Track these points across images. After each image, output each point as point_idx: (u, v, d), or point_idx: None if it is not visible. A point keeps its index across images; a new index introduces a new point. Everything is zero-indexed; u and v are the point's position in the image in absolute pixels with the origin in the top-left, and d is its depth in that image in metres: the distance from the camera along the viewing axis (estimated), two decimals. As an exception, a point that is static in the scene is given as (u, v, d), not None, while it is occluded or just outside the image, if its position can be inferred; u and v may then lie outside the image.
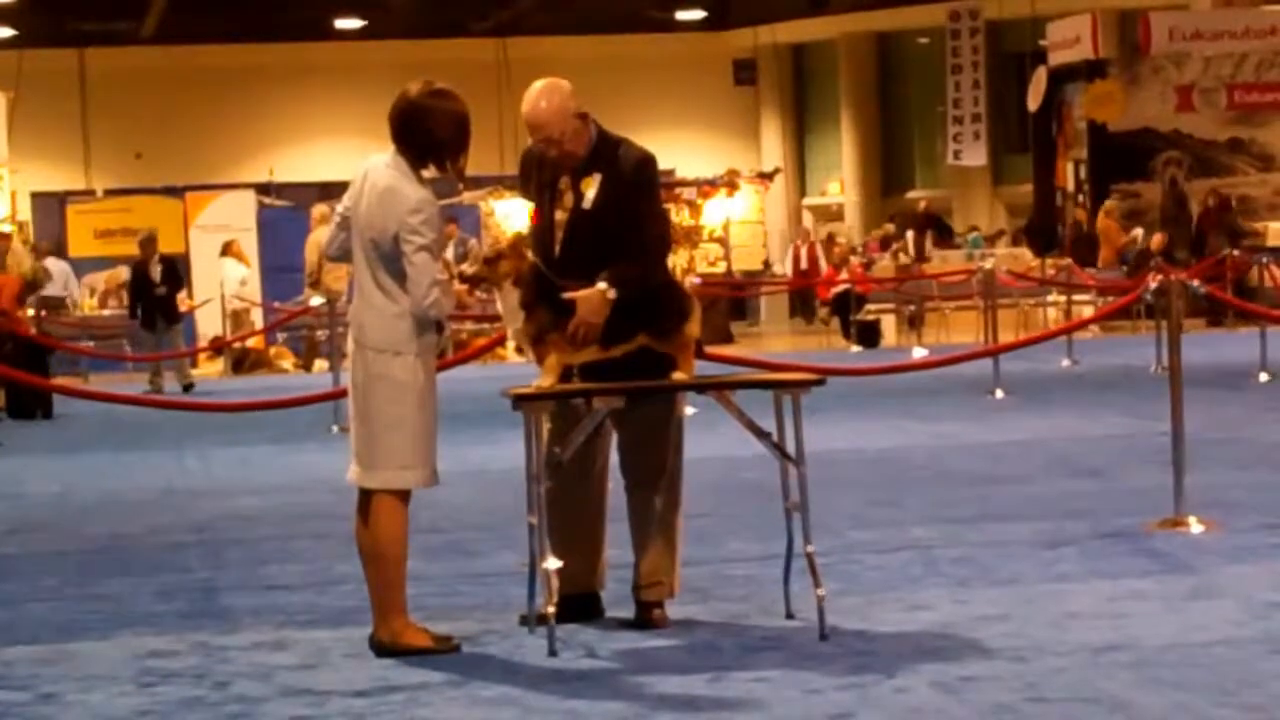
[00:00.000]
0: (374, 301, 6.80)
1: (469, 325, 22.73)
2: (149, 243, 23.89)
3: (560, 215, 7.13)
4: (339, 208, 7.03)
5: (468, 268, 7.05)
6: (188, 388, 22.45)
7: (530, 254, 6.98)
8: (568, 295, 6.87)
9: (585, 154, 7.07)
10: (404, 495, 6.88)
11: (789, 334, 33.29)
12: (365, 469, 6.84)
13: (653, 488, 7.22)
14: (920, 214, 38.73)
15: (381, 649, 6.82)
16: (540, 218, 7.21)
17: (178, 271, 24.05)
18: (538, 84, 7.06)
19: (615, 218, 7.01)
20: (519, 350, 7.34)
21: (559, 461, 7.13)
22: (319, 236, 25.44)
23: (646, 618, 7.17)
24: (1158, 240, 29.37)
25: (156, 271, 23.26)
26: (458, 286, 7.01)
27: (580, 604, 7.25)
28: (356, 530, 6.93)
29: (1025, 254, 32.76)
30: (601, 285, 6.88)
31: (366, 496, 6.88)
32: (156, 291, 23.20)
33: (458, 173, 6.96)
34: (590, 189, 7.06)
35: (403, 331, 6.74)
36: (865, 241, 36.87)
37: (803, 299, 35.14)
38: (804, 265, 34.01)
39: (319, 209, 25.96)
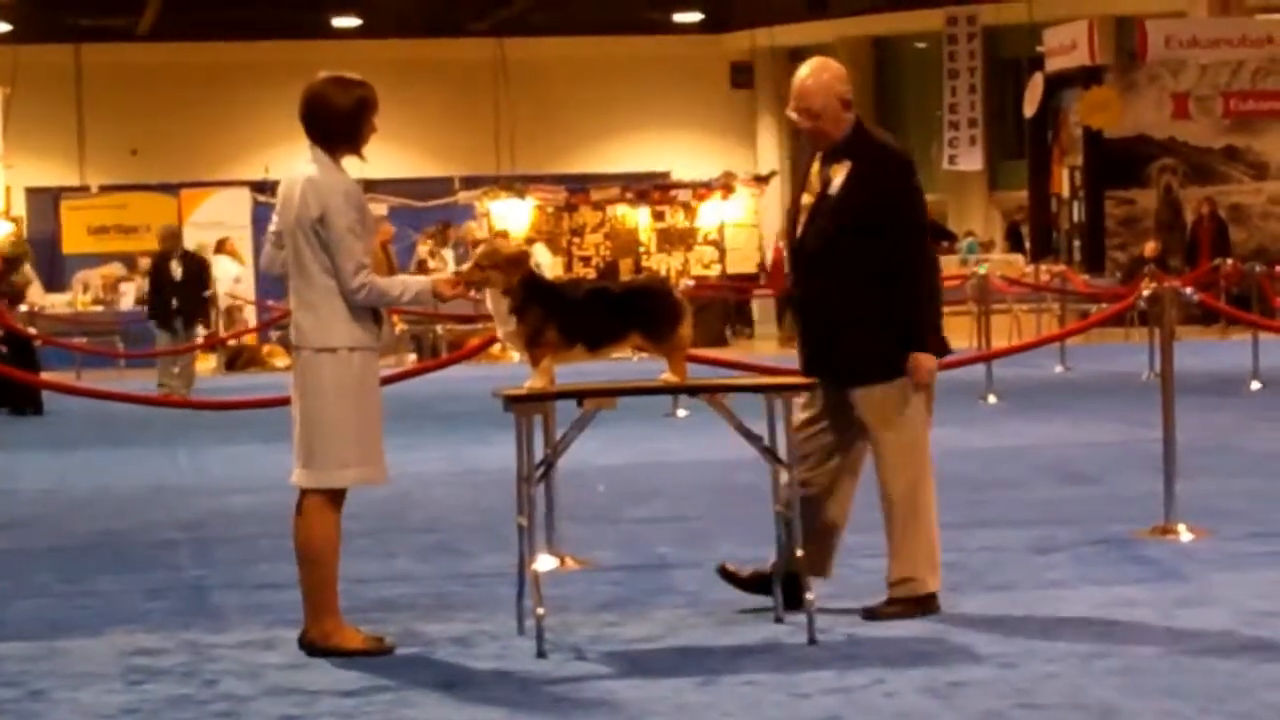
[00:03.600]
0: (308, 300, 6.81)
1: (445, 325, 22.68)
2: (168, 237, 22.55)
3: (806, 199, 7.28)
4: (271, 227, 7.04)
5: (464, 267, 7.05)
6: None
7: (532, 264, 6.99)
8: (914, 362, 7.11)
9: (840, 140, 7.17)
10: (336, 495, 6.85)
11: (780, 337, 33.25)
12: (305, 469, 6.85)
13: (885, 486, 7.28)
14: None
15: (313, 649, 6.82)
16: (793, 200, 7.40)
17: (200, 270, 22.25)
18: (812, 60, 7.27)
19: (857, 209, 7.08)
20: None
21: (550, 463, 7.13)
22: None
23: (876, 612, 7.22)
24: (1151, 247, 29.39)
25: (177, 269, 21.76)
26: (438, 278, 7.02)
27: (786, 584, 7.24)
28: (294, 531, 6.93)
29: (1019, 260, 32.76)
30: (921, 355, 7.11)
31: (304, 496, 6.88)
32: (175, 290, 21.64)
33: (364, 144, 6.91)
34: (838, 175, 7.16)
35: (336, 327, 6.75)
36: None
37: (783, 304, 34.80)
38: (786, 269, 33.72)
39: None
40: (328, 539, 6.83)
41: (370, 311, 6.78)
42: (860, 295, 7.06)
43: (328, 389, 6.76)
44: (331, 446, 6.78)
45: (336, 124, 6.85)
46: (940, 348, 7.26)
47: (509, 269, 6.85)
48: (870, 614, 7.20)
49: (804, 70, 7.20)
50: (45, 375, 19.47)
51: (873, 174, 7.11)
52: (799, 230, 7.26)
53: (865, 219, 7.06)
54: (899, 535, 7.26)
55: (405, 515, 10.42)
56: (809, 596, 6.83)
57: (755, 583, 7.36)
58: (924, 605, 7.21)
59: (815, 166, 7.26)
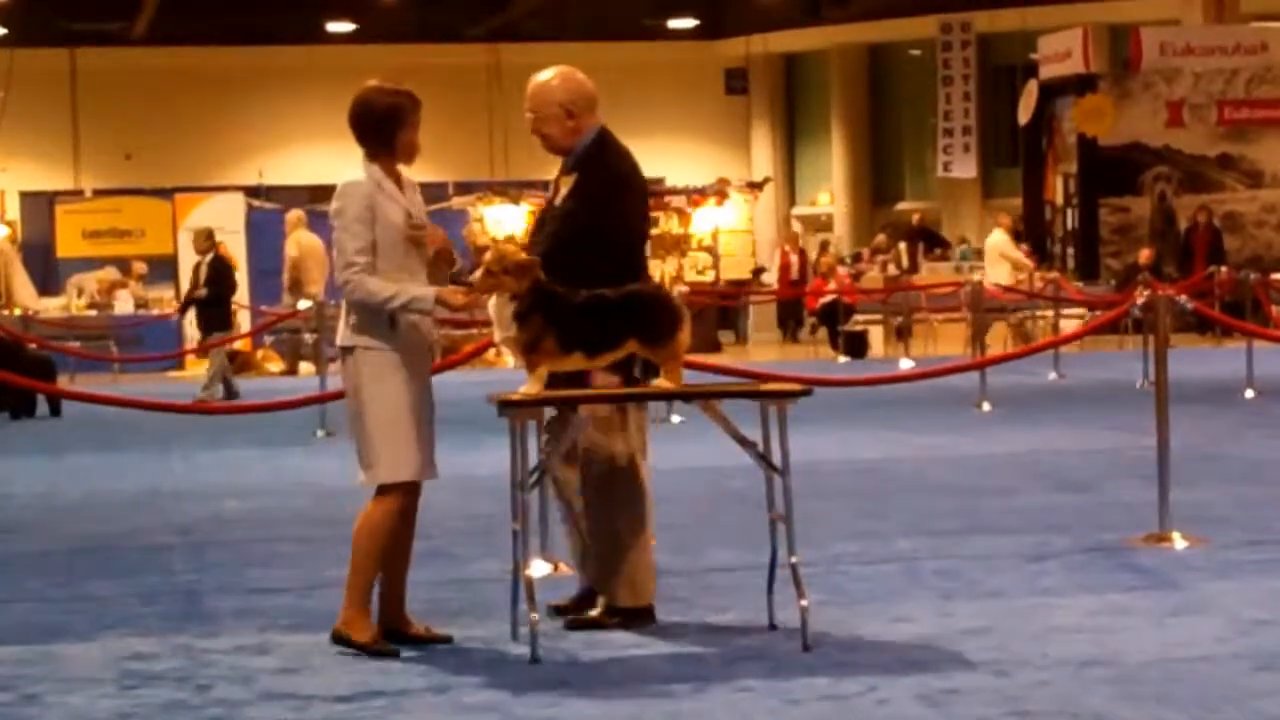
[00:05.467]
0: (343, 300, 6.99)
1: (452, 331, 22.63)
2: (200, 238, 22.33)
3: (545, 209, 7.46)
4: None
5: (474, 276, 6.98)
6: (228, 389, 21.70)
7: (540, 274, 6.98)
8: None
9: (573, 151, 7.33)
10: (386, 491, 6.92)
11: (775, 343, 33.24)
12: (358, 466, 7.01)
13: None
14: (913, 226, 38.74)
15: (333, 636, 6.95)
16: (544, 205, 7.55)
17: (224, 274, 21.89)
18: (554, 67, 7.46)
19: (573, 223, 7.19)
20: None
21: (545, 469, 7.14)
22: (299, 237, 25.68)
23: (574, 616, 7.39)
24: (1145, 255, 29.42)
25: (203, 273, 21.62)
26: (445, 289, 6.98)
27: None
28: None
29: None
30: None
31: None
32: (197, 294, 21.59)
33: (403, 151, 6.99)
34: (565, 187, 7.32)
35: (350, 327, 6.91)
36: (856, 252, 36.87)
37: (793, 311, 34.40)
38: (794, 275, 33.32)
39: (294, 214, 26.26)
40: (368, 532, 6.92)
41: (386, 312, 6.84)
42: None
43: (348, 388, 6.95)
44: (359, 444, 6.93)
45: (370, 126, 6.97)
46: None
47: (520, 275, 6.84)
48: (562, 611, 7.34)
49: (539, 74, 7.37)
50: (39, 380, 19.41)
51: (590, 189, 7.22)
52: (533, 238, 7.41)
53: (578, 233, 7.13)
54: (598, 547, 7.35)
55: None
56: (803, 604, 6.83)
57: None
58: (625, 618, 7.24)
59: (555, 177, 7.48)
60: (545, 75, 7.37)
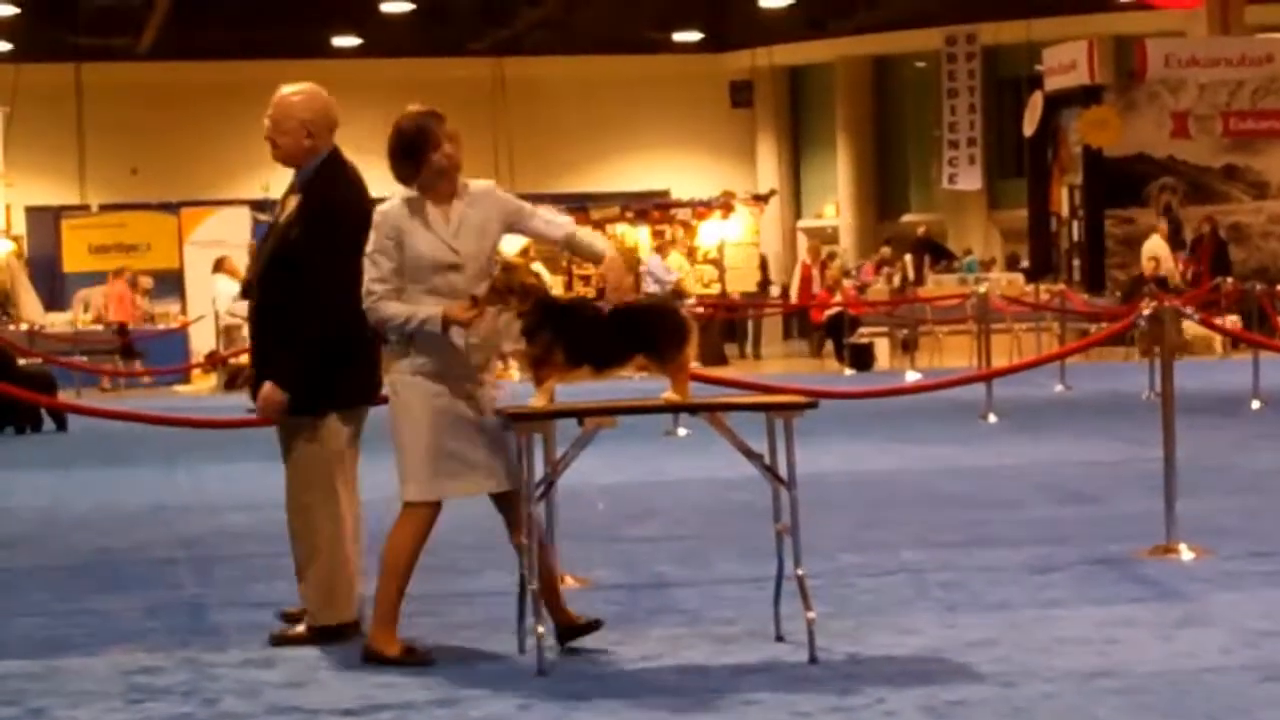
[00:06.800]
0: None
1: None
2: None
3: (270, 226, 7.59)
4: None
5: (480, 291, 6.96)
6: None
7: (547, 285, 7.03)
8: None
9: (304, 169, 7.39)
10: (414, 510, 7.00)
11: (782, 356, 33.23)
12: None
13: (287, 517, 7.54)
14: (918, 238, 38.77)
15: (363, 654, 7.01)
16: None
17: None
18: (303, 84, 7.46)
19: (285, 243, 7.26)
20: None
21: (551, 481, 7.13)
22: None
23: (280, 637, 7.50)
24: (1151, 266, 29.41)
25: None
26: (449, 305, 6.96)
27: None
28: None
29: (1019, 278, 32.79)
30: (267, 387, 7.21)
31: None
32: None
33: (433, 172, 7.03)
34: (289, 206, 7.41)
35: (386, 352, 7.03)
36: (860, 265, 36.86)
37: (802, 323, 34.18)
38: (816, 288, 32.88)
39: None
40: (394, 549, 7.02)
41: (408, 340, 6.91)
42: (279, 327, 7.19)
43: (390, 406, 7.03)
44: (396, 462, 6.98)
45: (396, 152, 6.98)
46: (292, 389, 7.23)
47: (524, 298, 6.85)
48: (275, 640, 7.40)
49: (286, 88, 7.37)
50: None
51: (310, 213, 7.25)
52: (256, 255, 7.49)
53: (290, 254, 7.19)
54: (299, 566, 7.45)
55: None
56: (810, 616, 6.83)
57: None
58: (326, 636, 7.31)
59: (285, 192, 7.53)
60: (292, 89, 7.37)
